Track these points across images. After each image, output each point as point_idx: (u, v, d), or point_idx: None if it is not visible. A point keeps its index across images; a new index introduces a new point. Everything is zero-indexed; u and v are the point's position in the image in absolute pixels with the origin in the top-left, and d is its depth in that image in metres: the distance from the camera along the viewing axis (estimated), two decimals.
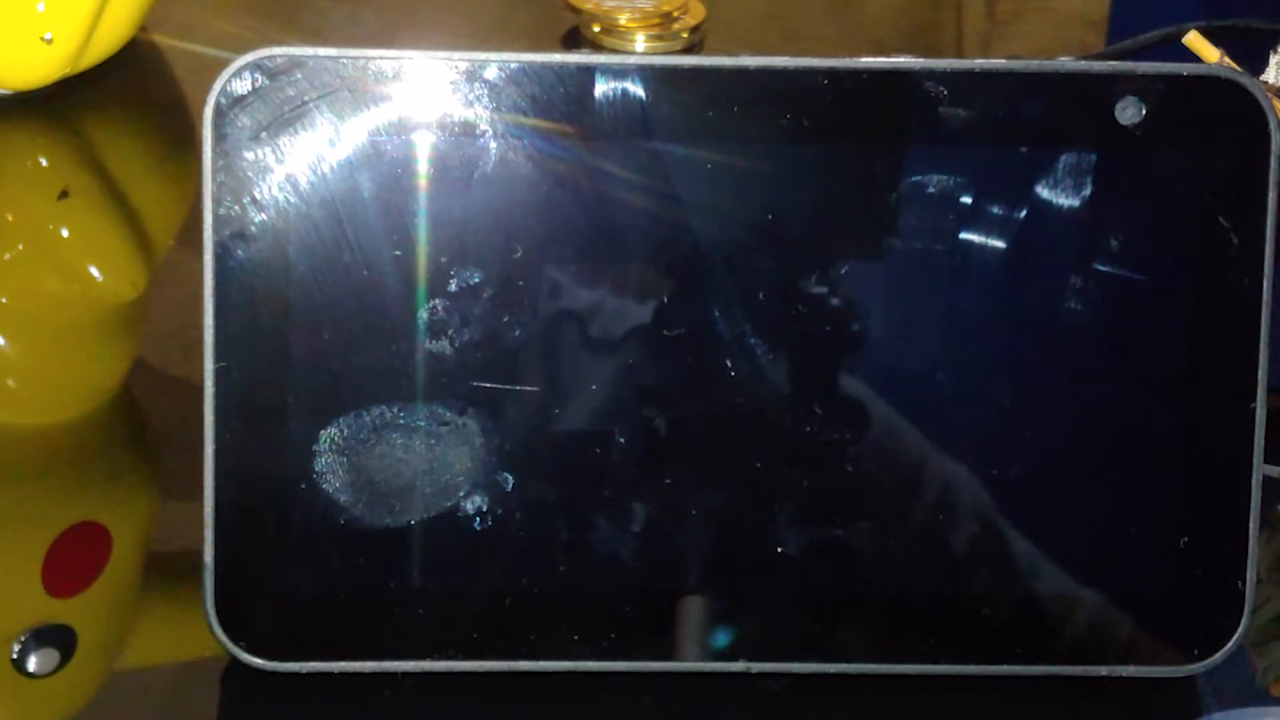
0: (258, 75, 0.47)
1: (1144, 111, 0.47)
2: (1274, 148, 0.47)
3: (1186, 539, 0.48)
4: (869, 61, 0.47)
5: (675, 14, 0.81)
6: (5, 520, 0.55)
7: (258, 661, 0.48)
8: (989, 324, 0.48)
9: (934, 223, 0.48)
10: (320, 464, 0.47)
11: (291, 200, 0.47)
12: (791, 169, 0.47)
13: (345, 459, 0.47)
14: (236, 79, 0.47)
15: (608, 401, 0.48)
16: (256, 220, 0.47)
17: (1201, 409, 0.48)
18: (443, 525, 0.48)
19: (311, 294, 0.47)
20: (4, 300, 0.66)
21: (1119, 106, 0.47)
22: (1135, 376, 0.48)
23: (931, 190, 0.48)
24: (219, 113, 0.47)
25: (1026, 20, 0.89)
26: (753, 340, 0.48)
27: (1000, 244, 0.48)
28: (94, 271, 0.67)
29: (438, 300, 0.47)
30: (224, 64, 0.47)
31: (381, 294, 0.47)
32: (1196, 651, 0.48)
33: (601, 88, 0.47)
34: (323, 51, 0.47)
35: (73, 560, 0.53)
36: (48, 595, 0.52)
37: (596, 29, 0.80)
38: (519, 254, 0.47)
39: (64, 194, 0.71)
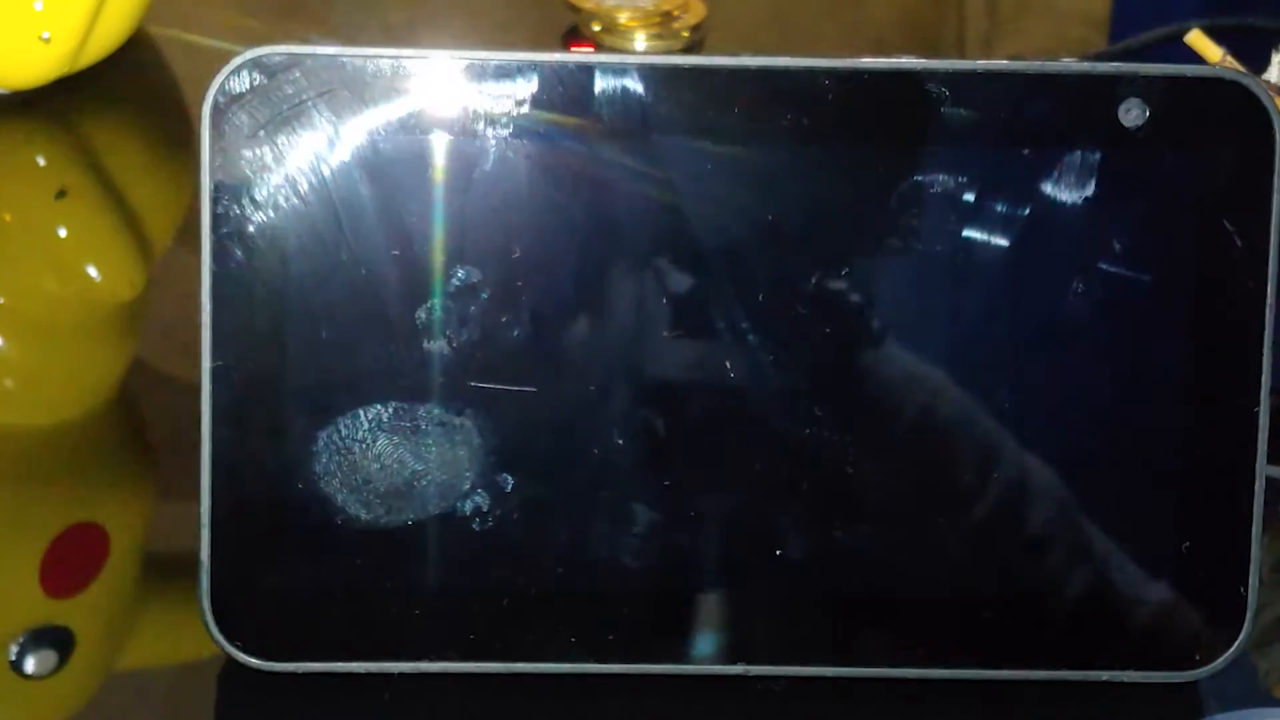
0: (256, 73, 0.46)
1: (1147, 113, 0.47)
2: (1278, 148, 0.47)
3: (1189, 543, 0.48)
4: (870, 62, 0.47)
5: (675, 13, 0.81)
6: (2, 521, 0.55)
7: (254, 662, 0.48)
8: (991, 325, 0.48)
9: (936, 224, 0.47)
10: (318, 464, 0.47)
11: (289, 198, 0.47)
12: (792, 169, 0.47)
13: (343, 459, 0.47)
14: (235, 77, 0.46)
15: (607, 402, 0.48)
16: (254, 218, 0.47)
17: (1205, 411, 0.48)
18: (441, 526, 0.48)
19: (309, 293, 0.47)
20: (1, 300, 0.66)
21: (1122, 108, 0.47)
22: (1138, 378, 0.48)
23: (934, 191, 0.47)
24: (217, 110, 0.46)
25: (1028, 19, 0.88)
26: (753, 340, 0.48)
27: (1003, 245, 0.48)
28: (92, 271, 0.67)
29: (436, 300, 0.47)
30: (223, 62, 0.47)
31: (380, 293, 0.47)
32: (1199, 656, 0.48)
33: (601, 87, 0.47)
34: (321, 49, 0.47)
35: (70, 561, 0.53)
36: (45, 596, 0.52)
37: (597, 28, 0.80)
38: (518, 253, 0.47)
39: (62, 193, 0.71)
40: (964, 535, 0.48)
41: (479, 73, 0.47)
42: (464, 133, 0.47)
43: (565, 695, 0.48)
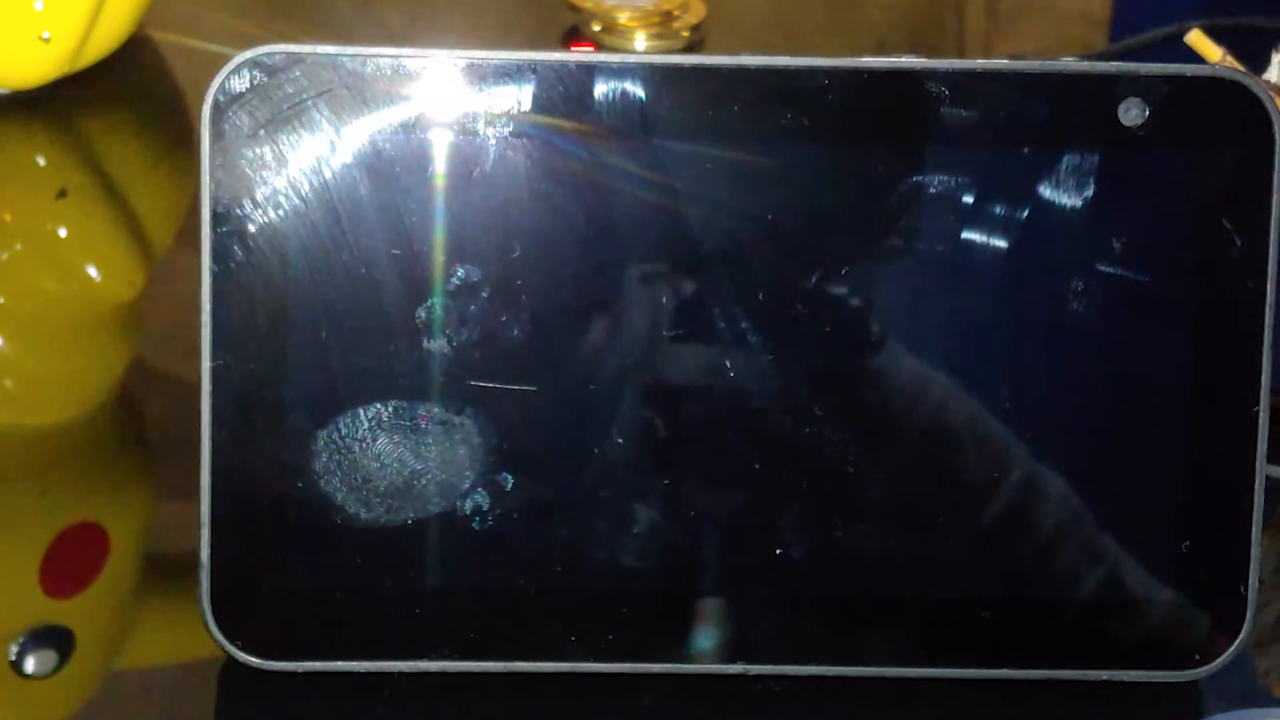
0: (256, 72, 0.46)
1: (1147, 112, 0.47)
2: (1278, 148, 0.47)
3: (1189, 542, 0.48)
4: (870, 61, 0.47)
5: (675, 13, 0.81)
6: (3, 521, 0.55)
7: (254, 661, 0.48)
8: (990, 325, 0.48)
9: (935, 223, 0.47)
10: (317, 463, 0.47)
11: (289, 198, 0.47)
12: (792, 169, 0.47)
13: (342, 458, 0.47)
14: (235, 76, 0.46)
15: (606, 402, 0.48)
16: (254, 218, 0.47)
17: (1204, 411, 0.48)
18: (441, 525, 0.48)
19: (309, 292, 0.47)
20: (2, 300, 0.66)
21: (1122, 107, 0.47)
22: (1138, 378, 0.48)
23: (933, 191, 0.47)
24: (217, 110, 0.46)
25: (1028, 19, 0.88)
26: (752, 340, 0.48)
27: (1002, 245, 0.48)
28: (92, 271, 0.67)
29: (436, 299, 0.47)
30: (223, 61, 0.47)
31: (379, 293, 0.47)
32: (1199, 656, 0.48)
33: (601, 87, 0.47)
34: (321, 49, 0.47)
35: (70, 561, 0.53)
36: (45, 596, 0.52)
37: (597, 28, 0.80)
38: (518, 253, 0.47)
39: (62, 193, 0.71)
40: (963, 535, 0.48)
41: (479, 73, 0.47)
42: (464, 132, 0.47)
43: (565, 695, 0.48)
